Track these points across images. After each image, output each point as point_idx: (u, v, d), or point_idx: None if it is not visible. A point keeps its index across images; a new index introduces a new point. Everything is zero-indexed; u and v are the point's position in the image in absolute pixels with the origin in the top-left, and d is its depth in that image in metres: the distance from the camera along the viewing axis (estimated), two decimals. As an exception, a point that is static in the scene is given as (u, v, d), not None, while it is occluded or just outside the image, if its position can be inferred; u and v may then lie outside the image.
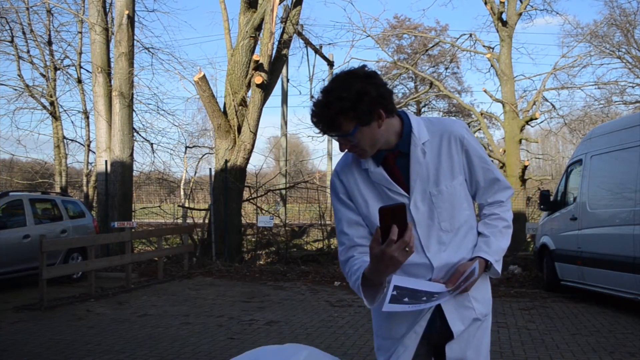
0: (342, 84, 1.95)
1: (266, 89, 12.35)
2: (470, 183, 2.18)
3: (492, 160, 2.25)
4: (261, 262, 12.54)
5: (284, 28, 13.01)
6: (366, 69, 2.02)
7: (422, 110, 30.24)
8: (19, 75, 17.60)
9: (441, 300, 2.03)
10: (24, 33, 17.71)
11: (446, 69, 27.77)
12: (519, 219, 12.75)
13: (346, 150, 2.08)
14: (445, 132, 2.11)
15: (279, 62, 13.09)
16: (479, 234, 2.16)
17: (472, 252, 2.12)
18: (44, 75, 18.14)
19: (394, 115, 2.07)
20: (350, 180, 2.16)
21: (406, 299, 1.94)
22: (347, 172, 2.16)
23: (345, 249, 2.13)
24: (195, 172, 20.89)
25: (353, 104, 1.93)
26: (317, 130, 2.04)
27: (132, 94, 13.79)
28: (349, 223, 2.14)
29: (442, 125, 2.14)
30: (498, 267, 2.13)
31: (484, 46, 16.80)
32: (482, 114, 17.93)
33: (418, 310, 2.04)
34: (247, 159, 12.56)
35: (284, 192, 16.58)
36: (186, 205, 17.91)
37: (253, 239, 13.71)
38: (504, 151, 15.15)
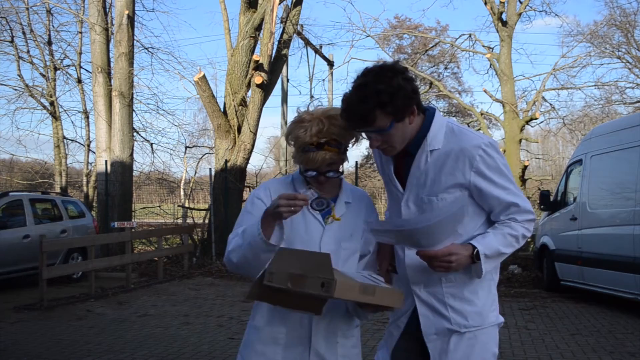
0: (377, 78, 1.93)
1: (266, 89, 12.36)
2: (482, 204, 2.09)
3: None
4: (261, 262, 12.52)
5: (284, 28, 13.01)
6: (399, 64, 2.02)
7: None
8: (19, 75, 17.63)
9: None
10: (24, 33, 17.74)
11: (445, 68, 27.78)
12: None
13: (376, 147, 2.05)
14: (457, 147, 2.04)
15: (279, 62, 13.09)
16: None
17: None
18: (44, 75, 18.15)
19: (419, 113, 2.06)
20: (378, 156, 2.25)
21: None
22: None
23: None
24: (195, 172, 20.83)
25: (390, 98, 1.91)
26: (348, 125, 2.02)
27: (132, 93, 13.78)
28: None
29: (459, 140, 2.05)
30: (485, 265, 2.01)
31: (483, 46, 16.83)
32: (482, 114, 17.93)
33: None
34: (247, 159, 12.56)
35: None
36: (186, 205, 17.90)
37: (253, 239, 13.70)
38: (504, 151, 15.16)
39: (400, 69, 1.98)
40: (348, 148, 2.08)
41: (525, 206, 2.08)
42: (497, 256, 2.05)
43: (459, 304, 2.08)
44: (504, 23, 15.26)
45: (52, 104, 17.91)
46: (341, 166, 2.09)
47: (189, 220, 15.07)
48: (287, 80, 17.46)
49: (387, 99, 1.90)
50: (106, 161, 13.03)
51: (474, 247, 2.00)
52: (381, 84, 1.91)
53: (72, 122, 51.71)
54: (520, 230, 2.07)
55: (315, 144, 1.98)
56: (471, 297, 2.09)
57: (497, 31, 15.48)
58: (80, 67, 18.26)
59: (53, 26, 18.13)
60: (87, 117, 18.38)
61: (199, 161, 21.56)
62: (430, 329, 2.10)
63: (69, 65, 18.62)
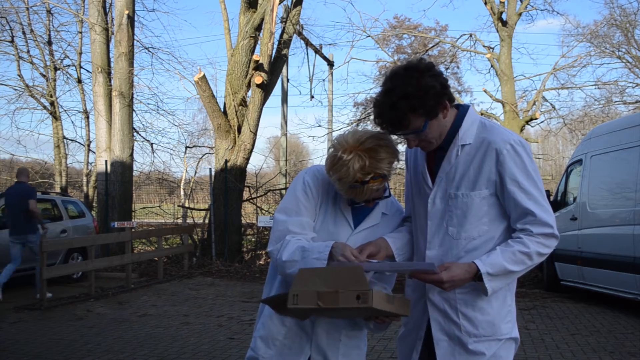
0: (404, 81, 1.92)
1: (266, 89, 12.35)
2: (504, 204, 2.02)
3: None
4: (261, 262, 12.53)
5: (284, 28, 13.00)
6: (423, 61, 1.99)
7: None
8: (19, 75, 17.65)
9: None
10: (24, 33, 17.76)
11: (447, 69, 27.77)
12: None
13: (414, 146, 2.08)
14: (487, 141, 2.01)
15: (279, 62, 13.08)
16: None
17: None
18: (44, 75, 18.16)
19: (452, 105, 2.05)
20: (412, 157, 2.27)
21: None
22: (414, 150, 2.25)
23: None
24: (195, 172, 20.90)
25: (421, 101, 1.90)
26: (381, 128, 2.04)
27: (132, 93, 13.78)
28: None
29: (489, 133, 2.02)
30: (489, 283, 1.94)
31: (484, 46, 16.83)
32: (482, 114, 17.90)
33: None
34: (247, 159, 12.55)
35: (284, 192, 16.59)
36: (186, 205, 17.90)
37: (253, 239, 13.70)
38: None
39: (424, 67, 1.95)
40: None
41: (543, 218, 1.96)
42: (505, 274, 1.96)
43: (470, 311, 2.03)
44: (504, 23, 15.26)
45: (52, 104, 17.92)
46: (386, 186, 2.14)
47: (189, 220, 15.07)
48: (287, 80, 17.46)
49: (417, 103, 1.90)
50: (106, 161, 13.03)
51: (477, 268, 1.94)
52: (409, 86, 1.89)
53: (72, 122, 51.97)
54: (533, 246, 1.96)
55: (360, 181, 2.02)
56: (484, 306, 2.04)
57: (497, 31, 15.48)
58: (80, 67, 18.28)
59: (53, 26, 18.18)
60: (87, 117, 18.40)
61: (199, 161, 21.64)
62: (441, 334, 2.08)
63: (69, 65, 18.66)
